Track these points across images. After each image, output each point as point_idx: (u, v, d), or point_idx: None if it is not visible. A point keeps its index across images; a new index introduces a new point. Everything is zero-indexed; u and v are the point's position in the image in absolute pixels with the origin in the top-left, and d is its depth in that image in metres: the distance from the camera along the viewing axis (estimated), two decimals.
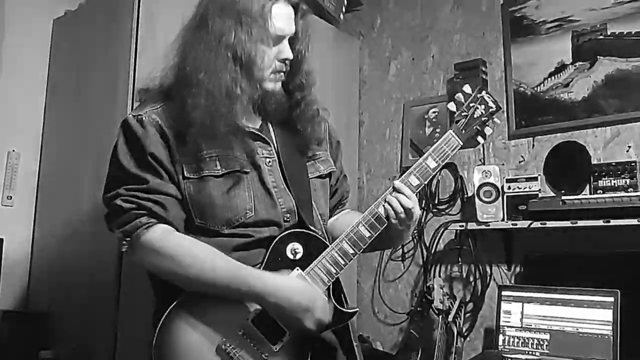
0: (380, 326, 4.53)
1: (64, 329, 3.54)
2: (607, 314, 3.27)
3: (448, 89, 4.43)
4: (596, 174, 3.62)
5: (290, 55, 2.22)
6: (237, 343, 2.01)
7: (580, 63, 3.84)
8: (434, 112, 4.47)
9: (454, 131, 2.34)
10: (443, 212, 4.31)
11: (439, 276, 4.20)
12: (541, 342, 3.41)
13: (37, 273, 3.82)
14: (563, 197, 3.50)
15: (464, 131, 2.35)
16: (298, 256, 2.12)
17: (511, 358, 3.12)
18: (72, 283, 3.55)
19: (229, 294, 2.01)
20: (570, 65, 3.88)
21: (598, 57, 3.78)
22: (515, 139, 4.08)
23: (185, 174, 2.10)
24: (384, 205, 2.20)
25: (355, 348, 2.28)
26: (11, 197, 3.79)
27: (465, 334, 3.99)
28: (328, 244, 2.16)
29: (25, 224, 3.86)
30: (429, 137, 4.44)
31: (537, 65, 4.01)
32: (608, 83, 3.73)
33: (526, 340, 3.46)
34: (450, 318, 3.76)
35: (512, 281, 3.93)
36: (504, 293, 3.63)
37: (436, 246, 4.23)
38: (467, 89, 2.43)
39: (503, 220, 3.80)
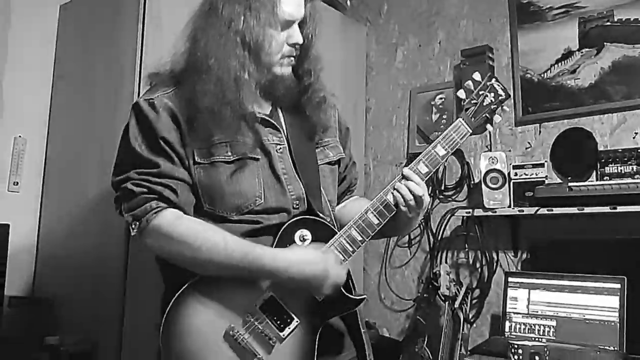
0: (386, 312, 4.54)
1: (70, 315, 3.55)
2: (614, 301, 3.28)
3: (455, 76, 4.43)
4: (603, 160, 3.62)
5: (300, 40, 2.21)
6: (245, 328, 2.02)
7: (587, 49, 3.84)
8: (441, 98, 4.46)
9: (463, 119, 2.32)
10: (450, 199, 4.32)
11: (446, 262, 4.21)
12: (548, 329, 3.42)
13: (43, 259, 3.83)
14: (570, 184, 3.50)
15: (473, 119, 2.34)
16: (306, 243, 2.11)
17: (518, 344, 3.12)
18: (78, 269, 3.55)
19: (241, 273, 2.01)
20: (577, 52, 3.87)
21: (605, 43, 3.77)
22: (521, 125, 4.08)
23: (196, 159, 2.09)
24: (392, 193, 2.18)
25: (363, 335, 2.28)
26: (18, 183, 3.79)
27: (472, 320, 4.00)
28: (336, 231, 2.16)
29: (32, 210, 3.86)
30: (436, 124, 4.44)
31: (543, 52, 4.00)
32: (615, 69, 3.72)
33: (532, 327, 3.47)
34: (456, 304, 3.76)
35: (519, 267, 3.94)
36: (510, 279, 3.64)
37: (443, 232, 4.24)
38: (476, 76, 2.41)
39: (510, 206, 3.81)
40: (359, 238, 2.14)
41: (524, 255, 3.93)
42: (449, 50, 4.53)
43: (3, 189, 3.75)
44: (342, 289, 2.11)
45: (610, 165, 3.58)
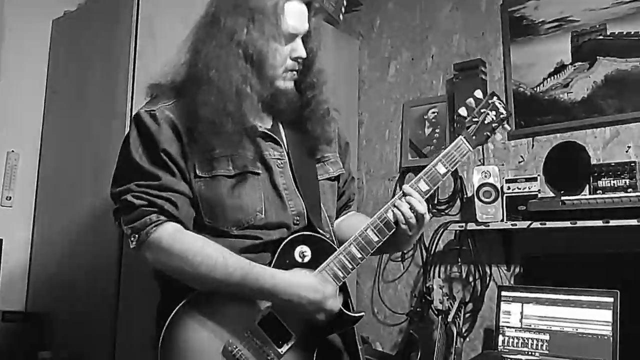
0: (379, 327, 4.53)
1: (63, 329, 3.55)
2: (607, 315, 3.27)
3: (447, 90, 4.43)
4: (596, 174, 3.63)
5: (304, 54, 2.20)
6: (243, 344, 2.01)
7: (580, 63, 3.85)
8: (434, 112, 4.47)
9: (464, 137, 2.32)
10: (443, 213, 4.31)
11: (439, 276, 4.20)
12: (541, 343, 3.41)
13: (37, 273, 3.81)
14: (562, 198, 3.50)
15: (474, 137, 2.34)
16: (306, 259, 2.11)
17: (511, 358, 3.12)
18: (71, 284, 3.54)
19: (239, 291, 2.01)
20: (569, 66, 3.88)
21: (597, 57, 3.78)
22: (514, 139, 4.08)
23: (197, 173, 2.08)
24: (393, 210, 2.18)
25: (360, 351, 2.28)
26: (10, 197, 3.79)
27: (465, 334, 3.99)
28: (336, 247, 2.16)
29: (25, 225, 3.85)
30: (428, 137, 4.45)
31: (536, 66, 4.01)
32: (607, 83, 3.73)
33: (526, 341, 3.46)
34: (449, 318, 3.76)
35: (512, 281, 3.94)
36: (503, 293, 3.64)
37: (436, 246, 4.23)
38: (478, 93, 2.41)
39: (502, 220, 3.81)
40: (359, 255, 2.14)
41: (517, 269, 3.93)
42: (442, 64, 4.53)
43: None
44: (340, 307, 2.11)
45: (603, 179, 3.59)
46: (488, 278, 4.01)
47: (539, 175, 3.86)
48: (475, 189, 3.86)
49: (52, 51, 4.02)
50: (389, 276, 4.56)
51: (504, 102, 2.41)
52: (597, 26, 3.80)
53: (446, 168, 2.27)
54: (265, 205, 2.12)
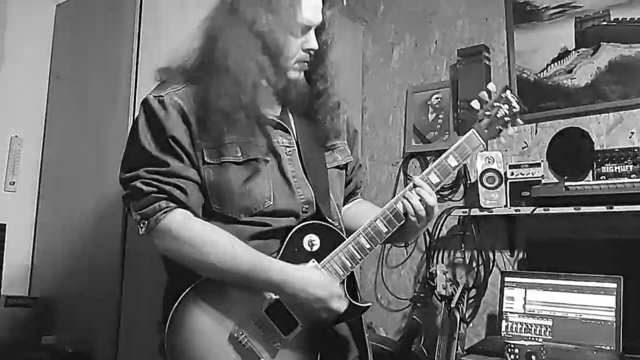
0: (383, 312, 4.54)
1: (67, 314, 3.55)
2: (610, 300, 3.28)
3: (451, 75, 4.43)
4: (599, 160, 3.63)
5: (316, 46, 2.20)
6: (249, 331, 2.01)
7: (584, 49, 3.85)
8: (437, 98, 4.47)
9: (476, 130, 2.32)
10: (446, 198, 4.31)
11: (442, 262, 4.21)
12: (544, 328, 3.42)
13: (40, 258, 3.82)
14: (566, 183, 3.50)
15: (486, 130, 2.33)
16: (315, 248, 2.10)
17: (514, 344, 3.12)
18: (74, 268, 3.55)
19: (247, 282, 2.00)
20: (573, 51, 3.88)
21: (601, 43, 3.78)
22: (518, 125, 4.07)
23: (206, 159, 2.07)
24: (402, 202, 2.18)
25: (367, 339, 2.29)
26: (14, 182, 3.79)
27: (468, 320, 4.00)
28: (345, 237, 2.15)
29: (28, 210, 3.86)
30: (432, 123, 4.45)
31: (540, 51, 4.01)
32: (611, 69, 3.73)
33: (529, 326, 3.47)
34: (453, 304, 3.76)
35: (515, 267, 3.94)
36: (506, 279, 3.65)
37: (439, 232, 4.24)
38: (491, 87, 2.40)
39: (506, 206, 3.82)
40: (368, 246, 2.13)
41: (521, 255, 3.94)
42: (446, 50, 4.53)
43: None
44: (349, 297, 2.11)
45: (606, 164, 3.59)
46: (491, 264, 4.02)
47: (542, 160, 3.86)
48: (478, 174, 3.87)
49: (56, 36, 4.01)
50: (393, 262, 4.56)
51: (518, 96, 2.39)
52: (601, 12, 3.80)
53: (457, 161, 2.27)
54: (274, 193, 2.11)
